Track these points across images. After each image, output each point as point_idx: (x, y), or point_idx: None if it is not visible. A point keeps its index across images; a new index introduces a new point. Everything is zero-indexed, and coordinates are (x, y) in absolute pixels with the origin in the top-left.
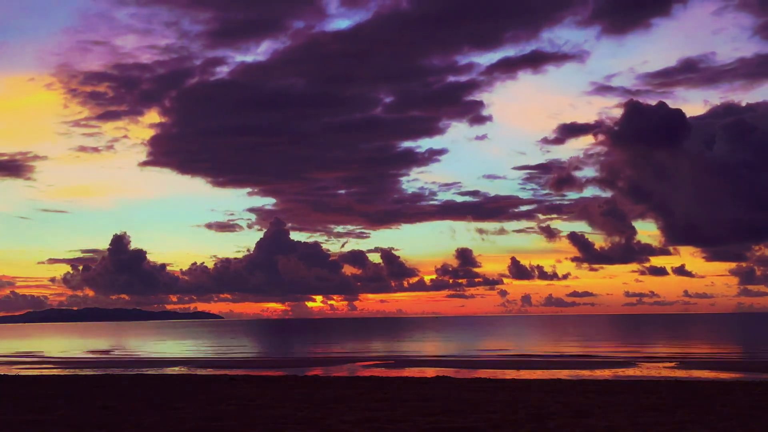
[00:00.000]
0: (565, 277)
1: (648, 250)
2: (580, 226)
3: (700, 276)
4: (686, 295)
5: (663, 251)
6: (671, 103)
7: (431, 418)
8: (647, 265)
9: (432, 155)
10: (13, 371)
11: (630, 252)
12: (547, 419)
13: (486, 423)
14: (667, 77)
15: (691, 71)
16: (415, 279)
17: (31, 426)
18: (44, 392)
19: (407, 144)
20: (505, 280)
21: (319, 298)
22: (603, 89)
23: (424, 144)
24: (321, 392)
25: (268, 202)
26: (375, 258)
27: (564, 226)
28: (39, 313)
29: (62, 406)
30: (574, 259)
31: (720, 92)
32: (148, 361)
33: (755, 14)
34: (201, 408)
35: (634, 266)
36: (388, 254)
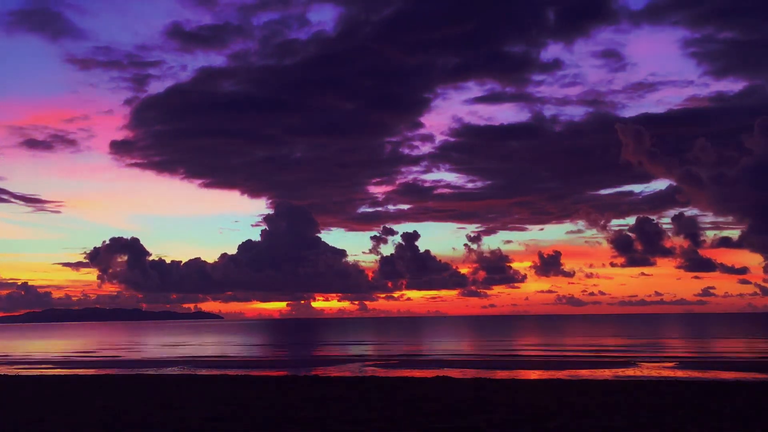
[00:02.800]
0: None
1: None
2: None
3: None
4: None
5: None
6: (602, 111)
7: (431, 418)
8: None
9: (398, 157)
10: (14, 371)
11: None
12: (547, 419)
13: (486, 423)
14: (598, 87)
15: (616, 83)
16: (420, 279)
17: (32, 426)
18: (44, 392)
19: (373, 145)
20: (530, 278)
21: (323, 297)
22: (536, 97)
23: (389, 145)
24: (321, 392)
25: (258, 203)
26: (379, 257)
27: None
28: (39, 313)
29: (62, 406)
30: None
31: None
32: (148, 361)
33: (688, 31)
34: (201, 408)
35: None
36: (408, 250)
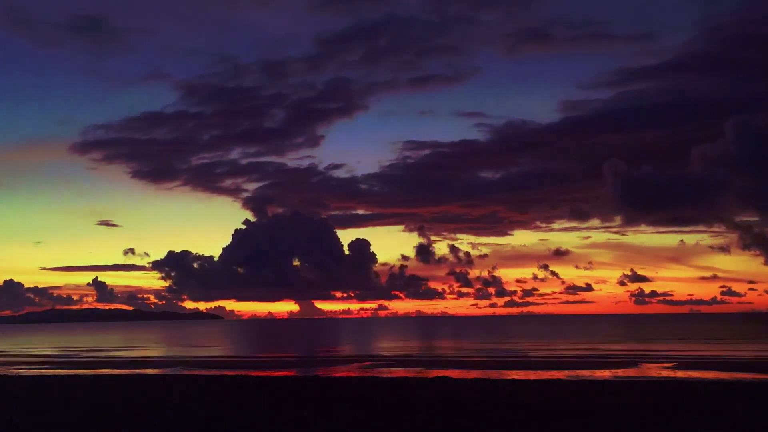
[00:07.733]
0: None
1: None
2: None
3: None
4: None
5: None
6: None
7: (431, 418)
8: None
9: (336, 165)
10: (13, 371)
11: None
12: (547, 419)
13: (487, 424)
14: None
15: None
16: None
17: (31, 426)
18: (44, 392)
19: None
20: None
21: (329, 297)
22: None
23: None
24: (321, 392)
25: (233, 204)
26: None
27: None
28: (39, 313)
29: (62, 406)
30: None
31: None
32: (148, 361)
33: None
34: (201, 409)
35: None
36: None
